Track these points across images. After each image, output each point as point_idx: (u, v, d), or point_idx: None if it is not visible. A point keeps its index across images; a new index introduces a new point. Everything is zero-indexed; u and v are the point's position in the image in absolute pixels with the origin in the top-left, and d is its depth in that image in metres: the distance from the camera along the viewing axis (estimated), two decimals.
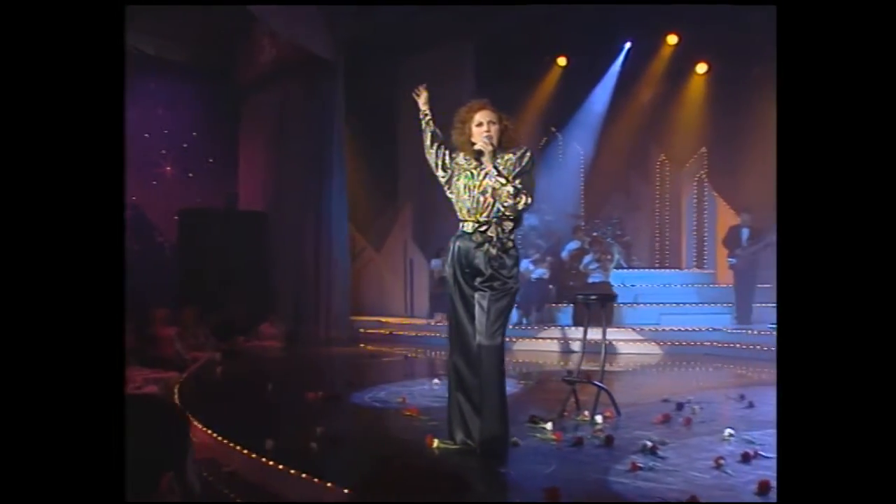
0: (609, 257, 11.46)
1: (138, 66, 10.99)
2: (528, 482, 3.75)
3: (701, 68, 12.94)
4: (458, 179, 4.33)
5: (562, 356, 10.09)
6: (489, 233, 4.22)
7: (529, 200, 4.20)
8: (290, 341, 11.50)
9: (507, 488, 3.76)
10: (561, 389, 6.17)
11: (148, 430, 1.58)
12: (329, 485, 3.72)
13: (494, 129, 4.23)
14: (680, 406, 5.58)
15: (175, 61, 12.85)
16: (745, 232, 10.95)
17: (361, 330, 12.45)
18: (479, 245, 4.22)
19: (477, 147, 4.24)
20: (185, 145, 13.94)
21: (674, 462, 4.03)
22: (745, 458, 4.04)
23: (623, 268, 12.37)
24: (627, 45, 12.96)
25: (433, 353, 10.25)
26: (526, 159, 4.25)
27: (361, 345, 11.52)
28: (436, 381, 7.12)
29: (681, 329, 10.41)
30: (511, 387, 5.80)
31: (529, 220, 11.42)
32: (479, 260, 4.22)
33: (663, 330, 10.55)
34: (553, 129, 14.07)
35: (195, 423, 5.00)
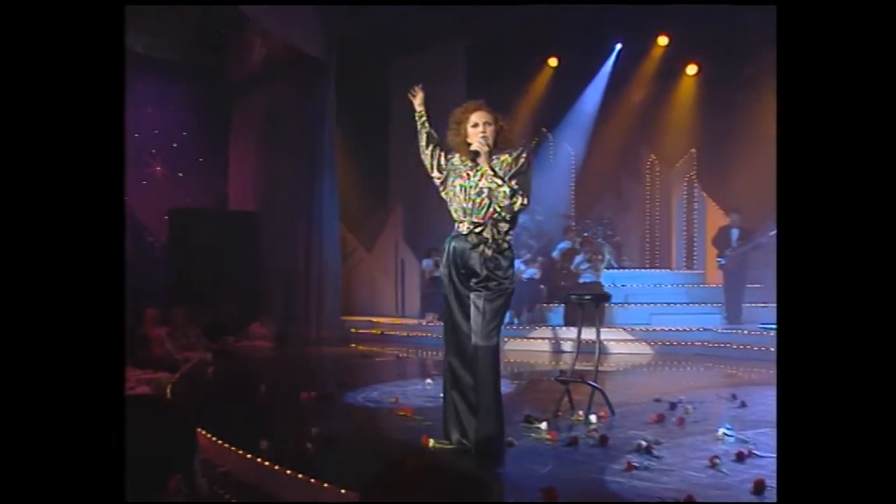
0: (600, 257, 11.51)
1: (128, 65, 10.91)
2: (524, 482, 3.76)
3: (691, 70, 13.01)
4: (453, 180, 4.32)
5: (553, 356, 10.12)
6: (485, 234, 4.23)
7: (526, 201, 4.20)
8: (280, 341, 11.48)
9: (504, 488, 3.77)
10: (553, 389, 6.19)
11: (156, 433, 1.58)
12: (326, 485, 3.72)
13: (490, 129, 4.23)
14: (673, 406, 5.61)
15: (165, 60, 12.79)
16: (735, 232, 11.02)
17: (352, 330, 12.44)
18: (475, 246, 4.23)
19: (473, 148, 4.24)
20: (175, 145, 13.88)
21: (669, 461, 4.05)
22: (740, 458, 4.07)
23: (613, 268, 12.41)
24: (618, 46, 13.01)
25: (424, 354, 10.26)
26: (522, 160, 4.26)
27: (352, 345, 11.51)
28: (428, 381, 7.12)
29: (671, 329, 10.46)
30: (504, 387, 5.80)
31: (520, 220, 11.42)
32: (475, 261, 4.22)
33: (654, 330, 10.59)
34: (544, 129, 14.11)
35: None
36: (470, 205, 4.23)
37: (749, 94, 11.84)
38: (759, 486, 3.46)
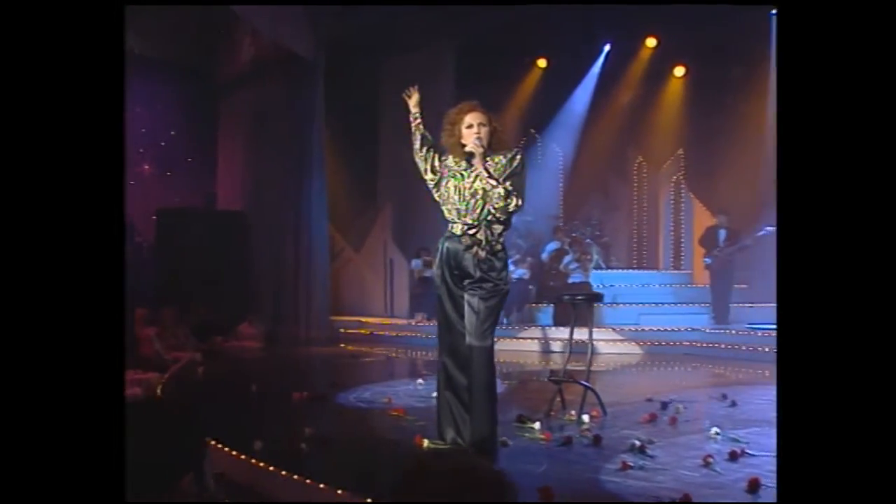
0: (589, 258, 11.57)
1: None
2: (520, 482, 3.77)
3: (679, 71, 13.11)
4: (447, 182, 4.32)
5: (542, 356, 10.15)
6: (478, 235, 4.24)
7: (520, 203, 4.22)
8: (269, 341, 11.44)
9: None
10: (543, 389, 6.21)
11: (166, 434, 1.58)
12: (322, 486, 3.72)
13: (484, 130, 4.24)
14: (664, 405, 5.64)
15: (153, 59, 12.71)
16: (722, 233, 11.09)
17: (342, 330, 12.42)
18: (468, 247, 4.24)
19: (467, 149, 4.24)
20: (163, 144, 13.80)
21: (663, 461, 4.08)
22: (733, 457, 4.10)
23: (601, 268, 12.47)
24: (607, 47, 13.08)
25: (414, 354, 10.27)
26: (516, 161, 4.27)
27: (341, 345, 11.50)
28: (420, 381, 7.13)
29: (660, 329, 10.51)
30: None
31: None
32: (468, 262, 4.23)
33: (643, 330, 10.65)
34: (532, 130, 14.15)
35: None
36: (464, 206, 4.24)
37: (736, 96, 11.95)
38: (754, 485, 3.50)
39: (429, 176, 4.43)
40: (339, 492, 3.61)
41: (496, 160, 4.23)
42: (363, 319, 12.82)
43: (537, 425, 4.92)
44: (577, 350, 6.03)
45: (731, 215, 11.13)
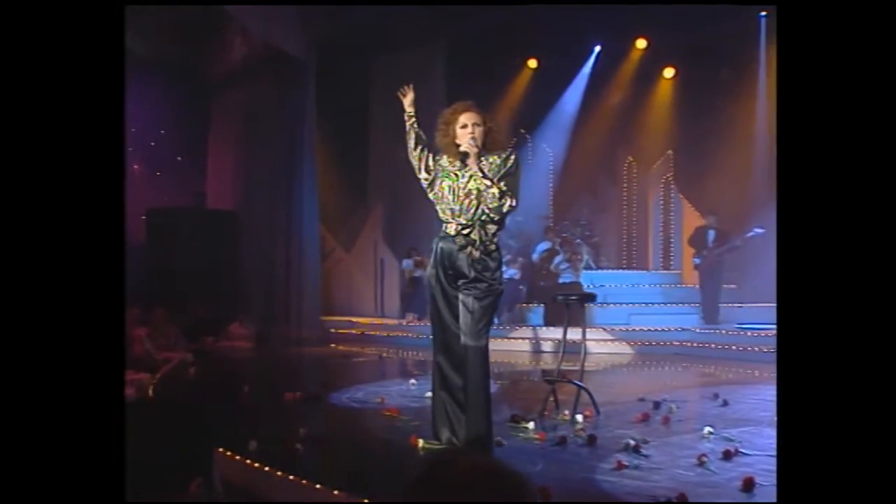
0: (579, 258, 11.60)
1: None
2: None
3: (668, 72, 13.18)
4: (441, 181, 4.33)
5: (533, 356, 10.18)
6: (472, 235, 4.25)
7: (514, 203, 4.23)
8: (259, 342, 11.41)
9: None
10: (535, 389, 6.24)
11: (177, 437, 1.58)
12: (318, 486, 3.72)
13: (479, 130, 4.25)
14: (657, 405, 5.67)
15: (143, 57, 12.64)
16: (711, 234, 11.15)
17: (332, 330, 12.41)
18: (463, 247, 4.25)
19: (462, 149, 4.25)
20: (152, 143, 13.73)
21: (658, 460, 4.10)
22: (727, 456, 4.13)
23: (591, 268, 12.51)
24: (597, 48, 13.13)
25: (405, 354, 10.28)
26: (511, 162, 4.29)
27: (332, 345, 11.49)
28: (412, 381, 7.14)
29: (650, 329, 10.56)
30: None
31: None
32: (462, 262, 4.24)
33: (633, 330, 10.69)
34: (522, 130, 14.18)
35: None
36: (458, 206, 4.25)
37: (725, 98, 12.03)
38: (748, 484, 3.53)
39: (423, 175, 4.44)
40: (336, 492, 3.61)
41: (491, 160, 4.25)
42: (354, 319, 12.81)
43: (531, 425, 4.94)
44: (568, 350, 6.05)
45: (720, 216, 11.20)
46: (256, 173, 13.09)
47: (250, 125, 13.21)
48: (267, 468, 4.07)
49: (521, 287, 11.96)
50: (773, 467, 3.78)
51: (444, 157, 4.36)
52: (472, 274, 4.22)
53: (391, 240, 13.12)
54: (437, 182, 4.35)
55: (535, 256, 12.14)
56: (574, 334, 5.81)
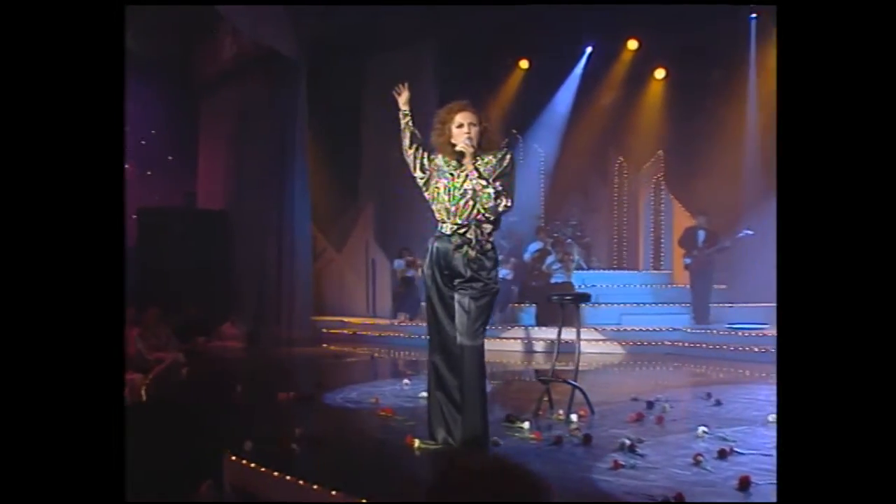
0: (570, 258, 11.62)
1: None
2: None
3: (659, 73, 13.23)
4: (437, 181, 4.33)
5: (525, 356, 10.19)
6: (468, 235, 4.25)
7: (510, 203, 4.24)
8: (251, 342, 11.39)
9: None
10: (528, 389, 6.24)
11: (188, 441, 1.58)
12: (315, 487, 3.71)
13: (475, 130, 4.25)
14: (650, 404, 5.69)
15: (134, 56, 12.59)
16: (702, 234, 11.19)
17: (324, 330, 12.39)
18: (458, 247, 4.25)
19: (458, 149, 4.25)
20: (143, 142, 13.67)
21: (653, 459, 4.11)
22: (722, 455, 4.15)
23: (583, 268, 12.54)
24: (589, 49, 13.16)
25: (397, 354, 10.27)
26: (506, 161, 4.29)
27: (324, 345, 11.47)
28: (406, 381, 7.13)
29: (641, 329, 10.59)
30: None
31: None
32: (458, 262, 4.25)
33: (624, 330, 10.72)
34: (514, 130, 14.18)
35: None
36: (454, 206, 4.25)
37: (716, 99, 12.08)
38: (744, 483, 3.55)
39: (418, 174, 4.43)
40: (334, 493, 3.61)
41: (486, 160, 4.25)
42: (345, 319, 12.80)
43: (527, 425, 4.94)
44: (562, 350, 6.06)
45: (710, 216, 11.25)
46: (247, 173, 13.06)
47: (241, 125, 13.18)
48: (263, 469, 4.05)
49: (513, 287, 11.97)
50: (769, 466, 3.81)
51: (440, 156, 4.36)
52: (468, 273, 4.23)
53: (382, 240, 13.11)
54: (433, 182, 4.35)
55: (526, 256, 12.15)
56: (568, 334, 5.82)
